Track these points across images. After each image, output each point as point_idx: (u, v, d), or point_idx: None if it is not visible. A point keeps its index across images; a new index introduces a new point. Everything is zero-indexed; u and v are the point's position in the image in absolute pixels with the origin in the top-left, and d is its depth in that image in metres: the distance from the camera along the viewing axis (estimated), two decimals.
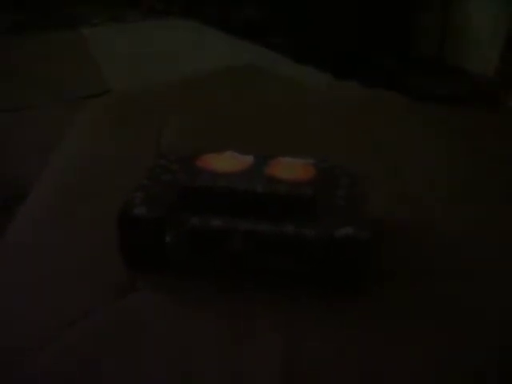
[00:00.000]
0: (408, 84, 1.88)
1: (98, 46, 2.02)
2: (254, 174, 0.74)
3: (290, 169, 0.76)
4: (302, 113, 1.16)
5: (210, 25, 2.36)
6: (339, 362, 0.60)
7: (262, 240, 0.66)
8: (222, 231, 0.66)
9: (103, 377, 0.57)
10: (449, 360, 0.60)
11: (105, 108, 1.16)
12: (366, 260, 0.66)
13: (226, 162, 0.76)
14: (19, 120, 1.55)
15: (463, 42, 2.37)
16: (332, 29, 2.05)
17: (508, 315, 0.66)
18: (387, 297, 0.68)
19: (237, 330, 0.62)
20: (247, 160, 0.77)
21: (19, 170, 1.26)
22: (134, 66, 1.89)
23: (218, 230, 0.66)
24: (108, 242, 0.69)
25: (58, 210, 0.82)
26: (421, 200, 0.84)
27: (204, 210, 0.68)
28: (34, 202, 0.87)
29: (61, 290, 0.68)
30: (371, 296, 0.67)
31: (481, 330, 0.64)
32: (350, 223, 0.66)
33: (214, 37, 2.27)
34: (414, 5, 2.28)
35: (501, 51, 2.10)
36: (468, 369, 0.60)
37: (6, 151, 1.38)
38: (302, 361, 0.59)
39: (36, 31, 2.25)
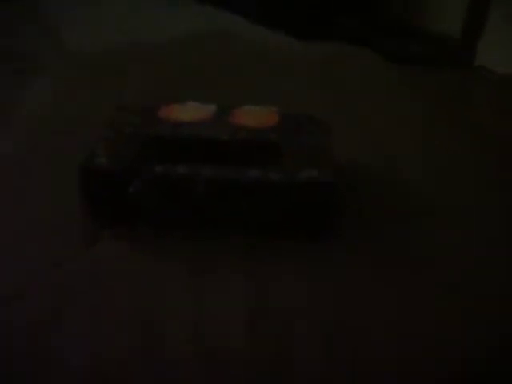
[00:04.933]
0: (371, 45, 1.88)
1: (58, 12, 1.98)
2: (218, 123, 0.73)
3: (254, 116, 0.75)
4: (269, 71, 1.16)
5: None
6: (305, 306, 0.60)
7: (227, 185, 0.66)
8: (186, 178, 0.65)
9: (68, 327, 0.57)
10: (422, 305, 0.61)
11: (65, 68, 1.14)
12: (331, 202, 0.66)
13: (189, 112, 0.76)
14: None
15: (428, 2, 2.37)
16: None
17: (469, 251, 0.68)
18: (353, 241, 0.68)
19: (201, 277, 0.62)
20: (210, 109, 0.76)
21: None
22: (95, 32, 1.86)
23: (182, 177, 0.66)
24: (71, 195, 0.68)
25: (20, 165, 0.81)
26: (383, 148, 0.85)
27: (168, 159, 0.68)
28: None
29: (24, 242, 0.67)
30: (337, 240, 0.67)
31: (446, 270, 0.65)
32: (313, 166, 0.66)
33: (175, 3, 2.23)
34: None
35: (465, 11, 2.10)
36: (443, 314, 0.60)
37: None
38: (267, 306, 0.59)
39: None
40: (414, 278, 0.64)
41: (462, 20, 2.08)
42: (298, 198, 0.65)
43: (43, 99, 0.98)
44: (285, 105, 0.86)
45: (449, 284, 0.63)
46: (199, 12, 2.13)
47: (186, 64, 1.16)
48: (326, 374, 0.54)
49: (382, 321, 0.59)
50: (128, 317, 0.58)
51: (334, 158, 0.69)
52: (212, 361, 0.54)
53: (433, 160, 0.85)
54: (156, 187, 0.66)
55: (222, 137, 0.69)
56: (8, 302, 0.59)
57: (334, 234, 0.68)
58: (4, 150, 0.87)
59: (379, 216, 0.72)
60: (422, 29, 2.29)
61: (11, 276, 0.63)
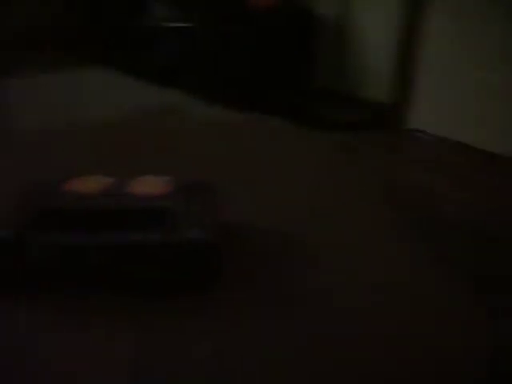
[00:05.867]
0: (307, 114, 1.99)
1: (7, 97, 2.06)
2: (114, 193, 0.79)
3: (150, 186, 0.81)
4: (188, 140, 1.24)
5: (122, 71, 2.44)
6: (189, 357, 0.64)
7: (115, 251, 0.71)
8: (76, 247, 0.72)
9: None
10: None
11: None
12: (212, 263, 0.73)
13: (90, 185, 0.82)
14: None
15: (359, 71, 2.50)
16: (229, 66, 2.16)
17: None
18: (234, 298, 0.73)
19: (89, 332, 0.67)
20: (109, 181, 0.82)
21: None
22: (45, 116, 1.94)
23: (73, 246, 0.72)
24: None
25: None
26: (280, 211, 0.92)
27: (62, 229, 0.73)
28: None
29: None
30: (217, 293, 0.73)
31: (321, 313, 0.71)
32: (196, 228, 0.72)
33: (126, 83, 2.34)
34: (309, 41, 2.39)
35: (392, 78, 2.22)
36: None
37: None
38: (151, 357, 0.64)
39: None
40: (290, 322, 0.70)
41: (391, 86, 2.20)
42: (177, 259, 0.71)
43: None
44: (190, 172, 0.93)
45: (326, 332, 0.69)
46: (147, 90, 2.25)
47: (116, 143, 1.23)
48: None
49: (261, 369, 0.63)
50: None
51: (221, 220, 0.76)
52: None
53: (327, 225, 0.91)
54: (48, 257, 0.72)
55: (111, 207, 0.75)
56: None
57: (215, 288, 0.74)
58: None
59: (262, 267, 0.79)
60: (354, 95, 2.41)
61: None
